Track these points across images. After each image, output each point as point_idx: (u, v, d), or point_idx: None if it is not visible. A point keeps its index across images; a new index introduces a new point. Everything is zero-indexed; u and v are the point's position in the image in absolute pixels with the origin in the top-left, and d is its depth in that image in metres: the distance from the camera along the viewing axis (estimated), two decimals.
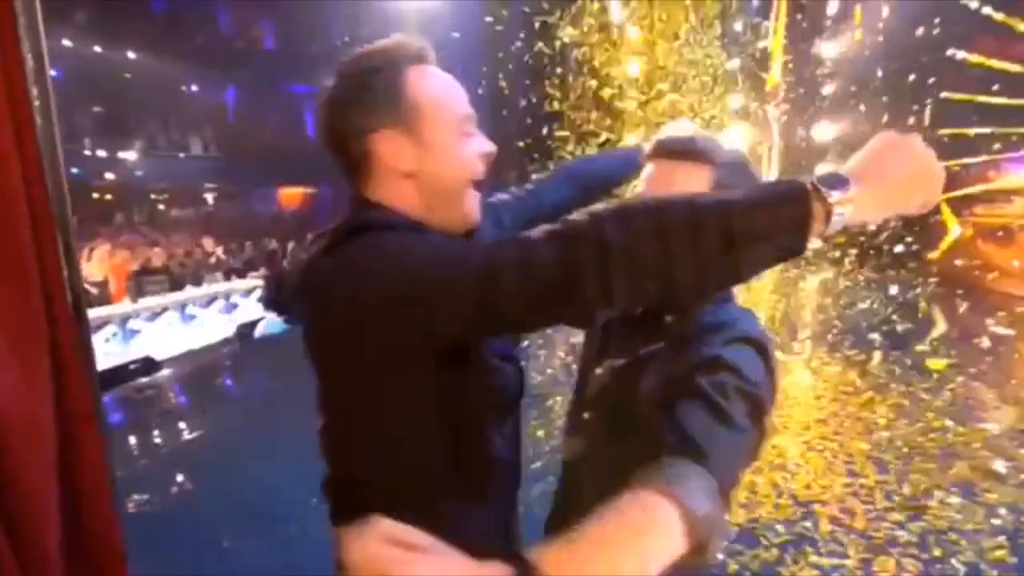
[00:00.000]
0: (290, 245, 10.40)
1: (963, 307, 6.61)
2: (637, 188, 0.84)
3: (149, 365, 5.06)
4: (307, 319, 0.73)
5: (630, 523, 0.48)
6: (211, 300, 7.26)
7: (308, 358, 0.74)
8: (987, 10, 7.26)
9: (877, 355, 4.72)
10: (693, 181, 0.77)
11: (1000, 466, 2.87)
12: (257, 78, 14.87)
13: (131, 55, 13.87)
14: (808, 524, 2.42)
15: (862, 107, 8.86)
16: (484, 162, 0.78)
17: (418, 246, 0.67)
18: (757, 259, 0.55)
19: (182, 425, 3.94)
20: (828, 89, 8.93)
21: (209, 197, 17.57)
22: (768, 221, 0.54)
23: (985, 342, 4.82)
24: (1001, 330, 5.21)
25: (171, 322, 6.37)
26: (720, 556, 2.08)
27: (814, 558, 2.20)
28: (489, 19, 6.91)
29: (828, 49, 8.57)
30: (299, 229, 13.12)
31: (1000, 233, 7.92)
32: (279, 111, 16.40)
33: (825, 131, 8.90)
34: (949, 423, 3.42)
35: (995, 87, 7.50)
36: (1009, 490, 2.64)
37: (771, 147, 7.00)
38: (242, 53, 15.45)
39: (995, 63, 7.48)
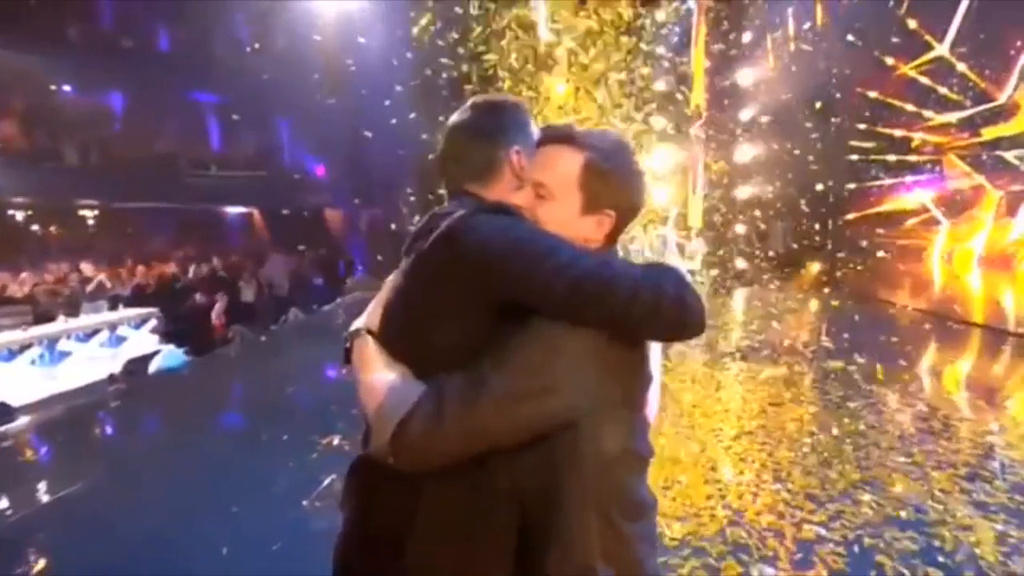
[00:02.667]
0: (191, 269, 9.74)
1: (864, 319, 7.46)
2: (528, 171, 1.01)
3: (1, 413, 4.52)
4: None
5: None
6: (92, 333, 6.64)
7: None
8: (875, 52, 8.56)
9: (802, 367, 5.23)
10: (568, 161, 0.94)
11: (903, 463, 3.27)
12: (151, 82, 13.92)
13: None
14: (743, 533, 2.61)
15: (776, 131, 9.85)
16: None
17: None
18: None
19: (41, 485, 3.43)
20: (746, 113, 9.93)
21: (89, 215, 16.09)
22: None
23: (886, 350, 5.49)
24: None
25: (35, 361, 5.74)
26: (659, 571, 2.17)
27: (751, 567, 2.38)
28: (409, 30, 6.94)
29: (744, 76, 9.57)
30: (201, 252, 12.35)
31: (896, 252, 9.09)
32: (179, 121, 15.49)
33: (744, 152, 9.84)
34: (862, 427, 3.85)
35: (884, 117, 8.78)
36: (912, 484, 3.02)
37: (696, 164, 7.62)
38: (130, 53, 14.45)
39: (883, 97, 8.76)
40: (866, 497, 2.90)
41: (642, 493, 0.88)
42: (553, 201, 0.94)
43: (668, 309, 0.80)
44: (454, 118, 1.07)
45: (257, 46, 13.35)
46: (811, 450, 3.50)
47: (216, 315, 8.11)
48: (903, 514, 2.74)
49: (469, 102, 1.09)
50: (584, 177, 0.93)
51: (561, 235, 0.89)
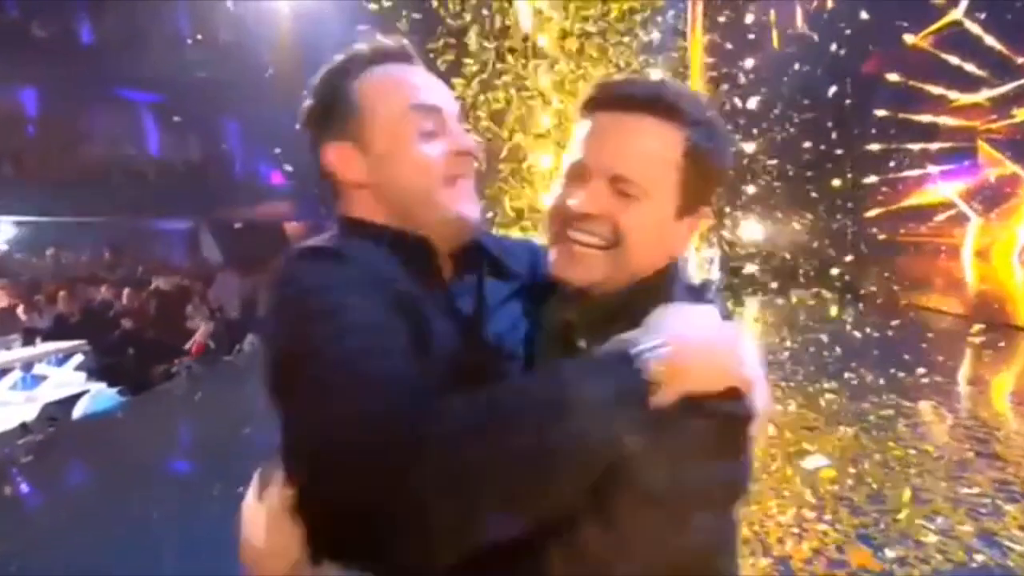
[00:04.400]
0: (125, 293, 9.38)
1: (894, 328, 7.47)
2: (576, 143, 0.76)
3: None
4: None
5: None
6: (1, 373, 6.31)
7: None
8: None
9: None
10: (659, 143, 0.71)
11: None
12: (71, 78, 13.53)
13: None
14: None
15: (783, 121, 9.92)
16: (457, 161, 0.82)
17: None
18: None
19: None
20: (751, 102, 10.00)
21: None
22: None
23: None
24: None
25: None
26: None
27: None
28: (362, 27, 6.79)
29: (748, 62, 9.65)
30: (137, 273, 11.98)
31: (927, 250, 9.17)
32: (107, 123, 15.13)
33: (750, 145, 9.90)
34: (911, 452, 3.75)
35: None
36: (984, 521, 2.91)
37: None
38: (47, 46, 14.03)
39: (903, 79, 8.88)
40: (932, 539, 2.76)
41: None
42: (644, 202, 0.71)
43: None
44: None
45: (199, 37, 13.15)
46: (857, 481, 3.38)
47: (203, 337, 8.11)
48: (980, 558, 2.61)
49: None
50: (687, 166, 0.72)
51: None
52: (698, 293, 0.77)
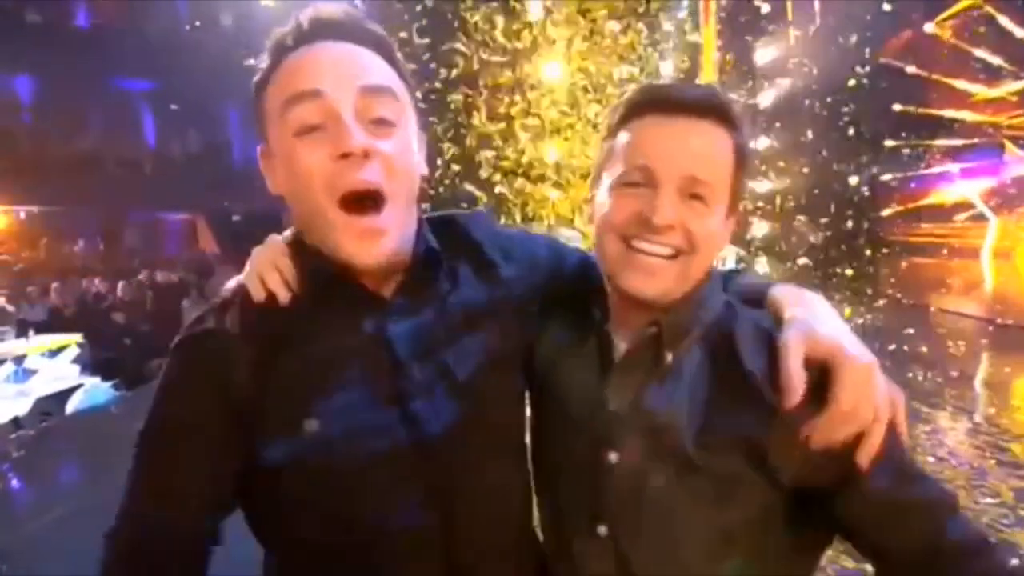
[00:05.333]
0: (120, 286, 9.40)
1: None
2: (636, 149, 0.74)
3: None
4: None
5: None
6: None
7: None
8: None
9: None
10: (720, 146, 0.73)
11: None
12: (66, 66, 13.53)
13: None
14: None
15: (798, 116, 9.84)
16: (343, 167, 0.67)
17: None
18: None
19: None
20: (765, 96, 9.92)
21: None
22: None
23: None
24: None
25: None
26: None
27: None
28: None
29: (763, 54, 9.57)
30: (132, 265, 12.00)
31: (945, 251, 9.09)
32: (103, 112, 15.13)
33: (764, 139, 9.83)
34: (930, 459, 3.72)
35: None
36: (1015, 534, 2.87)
37: None
38: (39, 31, 14.02)
39: (924, 72, 8.79)
40: None
41: None
42: (712, 206, 0.73)
43: None
44: None
45: (198, 23, 13.14)
46: None
47: None
48: None
49: None
50: (736, 168, 0.75)
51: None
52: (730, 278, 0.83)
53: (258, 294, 0.74)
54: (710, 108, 0.73)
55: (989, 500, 3.21)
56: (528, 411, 0.87)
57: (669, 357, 0.73)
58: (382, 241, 0.69)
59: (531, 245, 0.90)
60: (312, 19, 0.70)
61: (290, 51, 0.70)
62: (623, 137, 0.76)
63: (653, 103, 0.75)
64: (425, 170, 0.78)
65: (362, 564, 0.69)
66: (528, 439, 0.86)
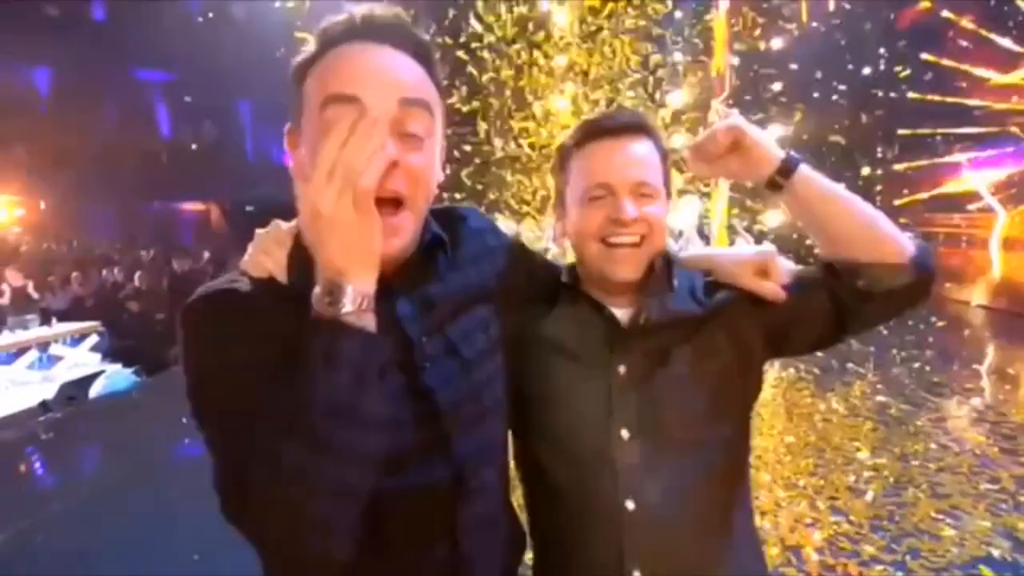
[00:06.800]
0: (137, 275, 9.59)
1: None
2: (591, 171, 0.96)
3: None
4: None
5: None
6: (18, 353, 6.50)
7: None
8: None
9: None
10: (653, 153, 0.96)
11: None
12: (84, 58, 13.70)
13: None
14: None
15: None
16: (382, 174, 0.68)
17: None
18: None
19: None
20: (777, 83, 9.81)
21: (13, 214, 15.88)
22: None
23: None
24: None
25: None
26: None
27: None
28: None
29: (776, 40, 9.45)
30: (150, 255, 12.20)
31: (958, 241, 9.00)
32: (119, 103, 15.32)
33: (776, 129, 9.74)
34: (932, 446, 3.77)
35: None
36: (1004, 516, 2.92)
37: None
38: (58, 24, 14.20)
39: (940, 59, 8.64)
40: (948, 532, 2.79)
41: None
42: (657, 199, 0.96)
43: None
44: None
45: (211, 15, 13.24)
46: (874, 474, 3.40)
47: None
48: (995, 552, 2.64)
49: None
50: (664, 166, 0.99)
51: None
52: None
53: (259, 272, 0.79)
54: (638, 127, 0.96)
55: (988, 486, 3.26)
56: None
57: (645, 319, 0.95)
58: (394, 240, 0.74)
59: (513, 240, 1.02)
60: (365, 17, 0.74)
61: (338, 44, 0.74)
62: (577, 166, 0.97)
63: (595, 133, 0.96)
64: (442, 176, 0.83)
65: (378, 523, 0.71)
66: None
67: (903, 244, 0.88)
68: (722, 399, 0.92)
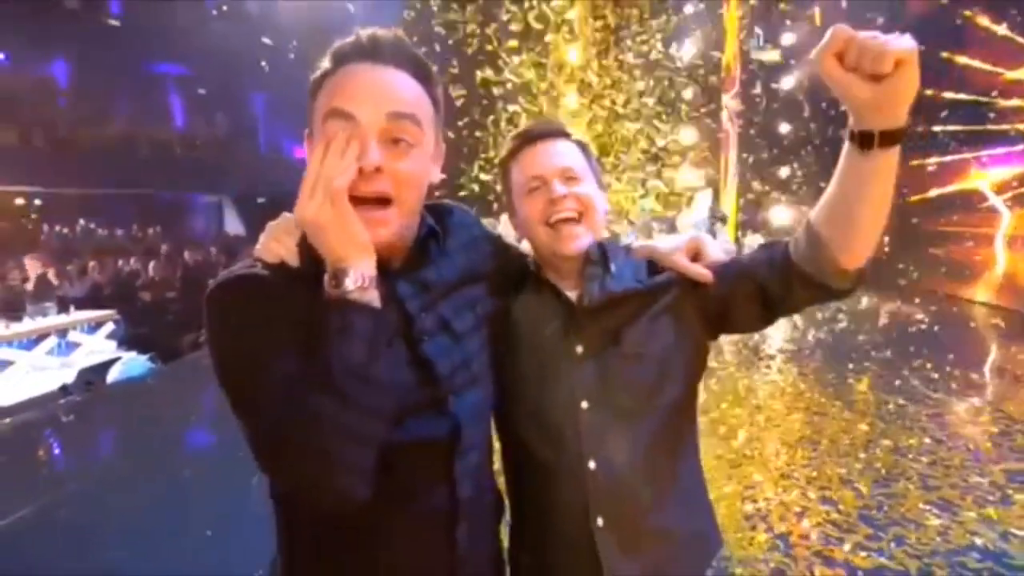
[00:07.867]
0: (151, 265, 9.80)
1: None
2: (524, 169, 1.12)
3: None
4: None
5: None
6: (38, 339, 6.68)
7: None
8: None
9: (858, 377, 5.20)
10: (571, 151, 1.14)
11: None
12: (101, 51, 13.91)
13: None
14: (786, 560, 2.60)
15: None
16: (362, 178, 0.82)
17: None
18: None
19: None
20: (786, 80, 9.79)
21: (32, 204, 16.19)
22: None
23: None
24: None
25: None
26: None
27: None
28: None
29: (786, 37, 9.42)
30: (164, 245, 12.39)
31: (962, 238, 8.96)
32: (134, 96, 15.53)
33: (785, 125, 9.74)
34: (927, 440, 3.83)
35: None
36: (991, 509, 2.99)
37: (728, 141, 7.52)
38: (76, 17, 14.39)
39: (954, 56, 8.57)
40: (934, 522, 2.87)
41: None
42: (585, 180, 1.13)
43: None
44: None
45: (225, 9, 13.38)
46: (866, 466, 3.48)
47: None
48: (979, 542, 2.71)
49: None
50: (586, 155, 1.17)
51: None
52: None
53: (272, 258, 0.90)
54: (558, 132, 1.15)
55: (978, 479, 3.31)
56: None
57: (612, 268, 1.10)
58: (380, 231, 0.84)
59: (492, 233, 1.16)
60: (370, 38, 0.87)
61: (346, 62, 0.86)
62: (515, 170, 1.14)
63: (524, 141, 1.14)
64: (438, 178, 0.97)
65: (388, 470, 0.83)
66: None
67: (869, 252, 0.91)
68: (668, 373, 1.04)
